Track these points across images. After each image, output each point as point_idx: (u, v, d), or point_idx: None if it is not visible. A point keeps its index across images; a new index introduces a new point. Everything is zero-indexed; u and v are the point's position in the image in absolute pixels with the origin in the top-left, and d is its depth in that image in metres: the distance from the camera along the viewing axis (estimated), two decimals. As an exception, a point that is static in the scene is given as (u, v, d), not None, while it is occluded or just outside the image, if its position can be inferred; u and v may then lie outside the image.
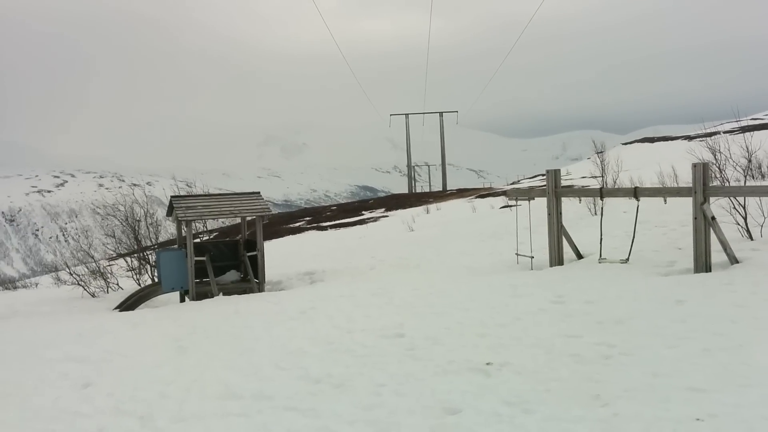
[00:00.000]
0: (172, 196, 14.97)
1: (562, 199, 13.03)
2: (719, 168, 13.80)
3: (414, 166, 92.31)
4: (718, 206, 11.30)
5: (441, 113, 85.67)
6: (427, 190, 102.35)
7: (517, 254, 13.55)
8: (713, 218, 10.17)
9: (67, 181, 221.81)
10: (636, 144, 63.18)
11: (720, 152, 14.01)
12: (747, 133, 16.22)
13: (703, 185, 10.26)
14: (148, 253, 17.98)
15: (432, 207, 39.66)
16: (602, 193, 12.56)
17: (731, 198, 11.79)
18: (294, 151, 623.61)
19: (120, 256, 18.75)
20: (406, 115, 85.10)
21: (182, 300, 14.62)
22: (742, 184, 13.17)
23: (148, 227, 18.38)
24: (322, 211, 55.37)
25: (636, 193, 11.61)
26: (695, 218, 10.31)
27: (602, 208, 13.26)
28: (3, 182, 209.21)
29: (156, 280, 15.98)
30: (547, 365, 6.19)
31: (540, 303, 8.98)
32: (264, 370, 6.90)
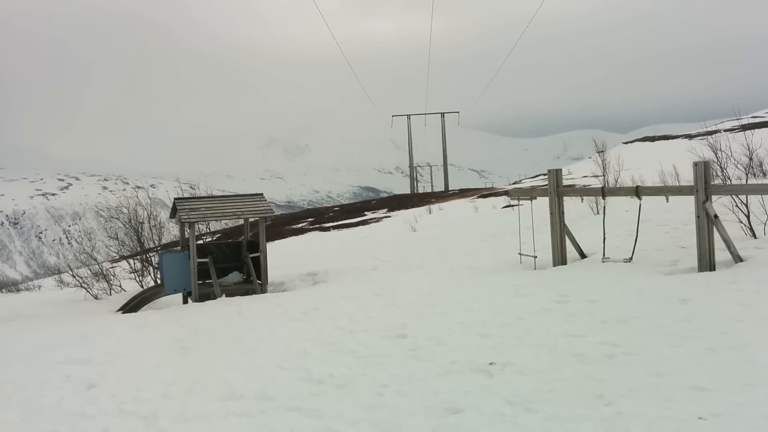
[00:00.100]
0: (175, 198, 14.99)
1: (564, 198, 13.01)
2: (721, 166, 13.78)
3: (416, 167, 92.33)
4: (720, 205, 11.29)
5: (443, 114, 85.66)
6: (429, 190, 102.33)
7: (519, 254, 13.54)
8: (716, 216, 10.15)
9: (71, 184, 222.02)
10: (637, 143, 63.10)
11: (721, 150, 13.99)
12: (748, 132, 16.18)
13: (705, 184, 10.24)
14: (151, 255, 18.00)
15: (434, 207, 39.65)
16: (604, 192, 12.54)
17: (733, 196, 11.77)
18: (296, 153, 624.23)
19: (123, 258, 18.79)
20: (408, 116, 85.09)
21: (185, 302, 14.64)
22: (743, 182, 13.16)
23: (151, 229, 18.41)
24: (325, 212, 55.39)
25: (638, 192, 11.59)
26: (698, 217, 10.29)
27: (604, 208, 13.25)
28: (7, 185, 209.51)
29: (159, 282, 16.00)
30: (551, 365, 6.18)
31: (543, 303, 8.96)
32: (267, 370, 6.90)
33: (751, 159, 14.02)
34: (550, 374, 5.91)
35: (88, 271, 17.64)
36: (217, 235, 24.97)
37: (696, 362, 5.83)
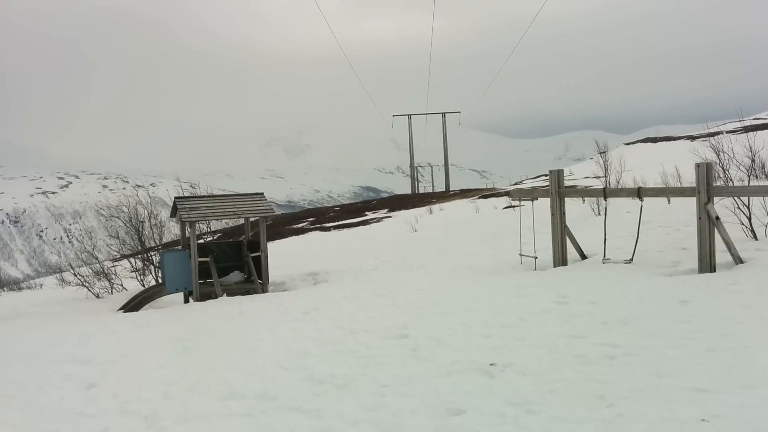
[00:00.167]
0: (176, 198, 14.99)
1: (566, 199, 13.01)
2: (723, 168, 13.76)
3: (417, 167, 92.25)
4: (722, 206, 11.29)
5: (444, 114, 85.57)
6: (430, 190, 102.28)
7: (520, 255, 13.54)
8: (717, 218, 10.15)
9: (71, 183, 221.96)
10: (639, 144, 63.10)
11: (723, 152, 13.97)
12: (750, 133, 16.17)
13: (707, 185, 10.24)
14: (152, 254, 18.01)
15: (435, 207, 39.63)
16: (605, 193, 12.55)
17: (735, 198, 11.76)
18: (297, 152, 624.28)
19: (124, 257, 18.80)
20: (409, 116, 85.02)
21: (186, 301, 14.65)
22: (745, 183, 13.15)
23: (152, 228, 18.42)
24: (326, 211, 55.38)
25: (639, 193, 11.60)
26: (699, 218, 10.29)
27: (606, 209, 13.25)
28: (7, 184, 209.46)
29: (160, 281, 16.01)
30: (552, 366, 6.19)
31: (544, 303, 8.96)
32: (268, 370, 6.90)
33: (753, 161, 13.99)
34: (551, 375, 5.92)
35: (90, 270, 17.65)
36: (218, 235, 24.99)
37: (697, 364, 5.83)
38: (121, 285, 17.47)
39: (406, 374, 6.33)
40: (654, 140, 62.82)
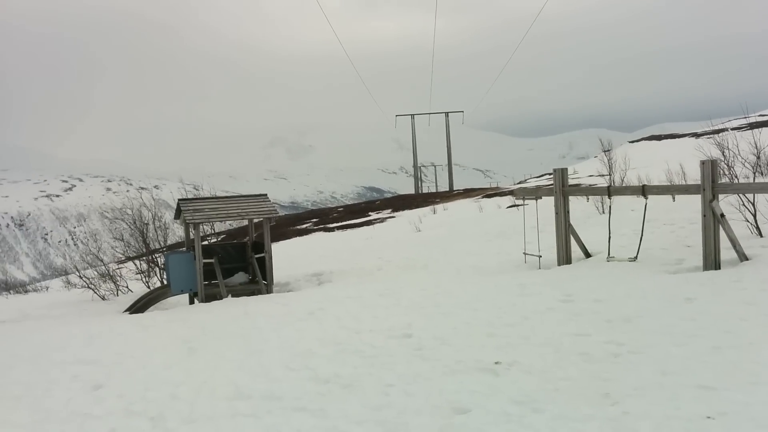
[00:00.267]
0: (179, 199, 15.02)
1: (570, 197, 13.01)
2: (728, 165, 13.74)
3: (420, 167, 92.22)
4: (726, 203, 11.27)
5: (447, 113, 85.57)
6: (434, 190, 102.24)
7: (524, 253, 13.54)
8: (722, 215, 10.14)
9: (75, 185, 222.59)
10: (643, 142, 62.95)
11: (728, 149, 13.96)
12: (755, 130, 16.14)
13: (712, 182, 10.23)
14: (156, 255, 18.04)
15: (439, 207, 39.62)
16: (610, 191, 12.54)
17: (740, 195, 11.75)
18: (300, 153, 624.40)
19: (129, 259, 18.83)
20: (412, 115, 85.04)
21: (191, 302, 14.67)
22: (751, 180, 13.13)
23: (156, 230, 18.45)
24: (329, 212, 55.41)
25: (644, 191, 11.58)
26: (704, 216, 10.28)
27: (610, 207, 13.24)
28: (12, 187, 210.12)
29: (165, 282, 16.04)
30: (556, 364, 6.19)
31: (548, 302, 8.97)
32: (273, 371, 6.92)
33: (758, 158, 13.97)
34: (555, 373, 5.92)
35: (95, 272, 17.69)
36: (222, 236, 25.02)
37: (702, 361, 5.83)
38: (127, 287, 17.51)
39: (411, 374, 6.34)
40: (658, 138, 62.70)
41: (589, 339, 6.93)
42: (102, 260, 18.64)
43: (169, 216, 19.04)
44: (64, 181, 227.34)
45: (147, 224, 18.30)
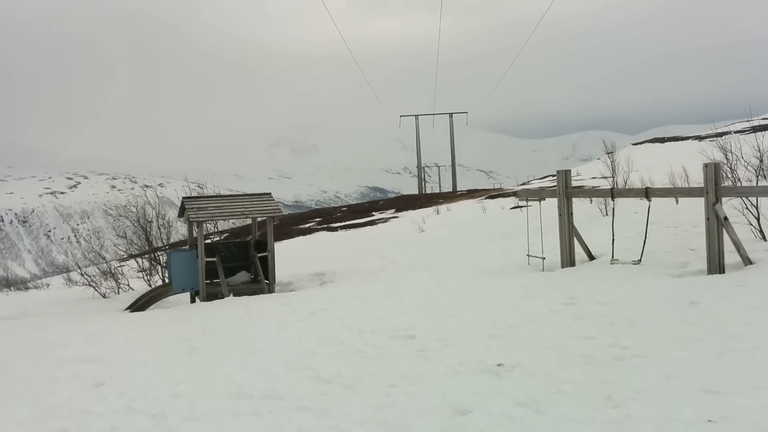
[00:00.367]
0: (183, 198, 15.02)
1: (573, 199, 12.98)
2: (731, 168, 13.71)
3: (424, 167, 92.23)
4: (730, 207, 11.24)
5: (451, 114, 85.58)
6: (437, 191, 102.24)
7: (528, 255, 13.52)
8: (726, 218, 10.11)
9: (79, 183, 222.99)
10: (646, 144, 62.93)
11: (731, 152, 13.93)
12: (758, 133, 16.10)
13: (715, 185, 10.20)
14: (159, 254, 18.05)
15: (442, 208, 39.62)
16: (613, 193, 12.52)
17: (743, 198, 11.71)
18: (304, 153, 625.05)
19: (131, 257, 18.84)
20: (416, 116, 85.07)
21: (193, 301, 14.67)
22: (754, 184, 13.09)
23: (159, 228, 18.45)
24: (333, 212, 55.43)
25: (647, 193, 11.56)
26: (707, 219, 10.25)
27: (613, 209, 13.22)
28: (16, 184, 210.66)
29: (167, 280, 16.04)
30: (559, 366, 6.17)
31: (552, 304, 8.95)
32: (275, 370, 6.91)
33: (761, 161, 13.93)
34: (558, 376, 5.90)
35: (97, 270, 17.70)
36: (225, 235, 25.03)
37: (705, 365, 5.81)
38: (128, 285, 17.52)
39: (414, 374, 6.32)
40: (662, 140, 62.66)
41: (592, 342, 6.91)
42: (104, 258, 18.65)
43: (172, 214, 19.06)
44: (68, 178, 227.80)
45: (150, 222, 18.30)
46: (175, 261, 14.31)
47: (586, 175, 41.05)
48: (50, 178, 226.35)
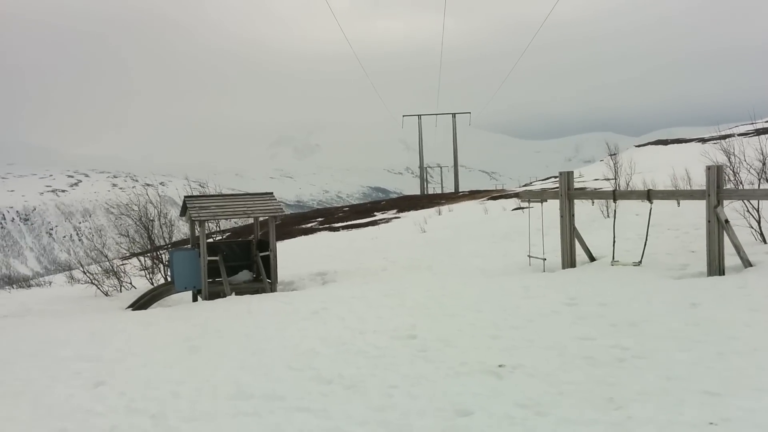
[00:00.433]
0: (185, 197, 15.03)
1: (575, 201, 12.99)
2: (733, 171, 13.70)
3: (426, 168, 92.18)
4: (731, 209, 11.24)
5: (454, 114, 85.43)
6: (439, 191, 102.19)
7: (529, 256, 13.52)
8: (727, 221, 10.11)
9: (81, 181, 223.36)
10: (649, 146, 62.80)
11: (734, 155, 13.91)
12: (762, 136, 16.07)
13: (717, 188, 10.20)
14: (161, 252, 18.06)
15: (444, 208, 39.59)
16: (615, 195, 12.52)
17: (745, 201, 11.71)
18: (306, 152, 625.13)
19: (133, 255, 18.86)
20: (419, 116, 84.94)
21: (195, 299, 14.68)
22: (756, 187, 13.08)
23: (161, 227, 18.47)
24: (335, 212, 55.42)
25: (649, 195, 11.56)
26: (709, 221, 10.25)
27: (615, 211, 13.21)
28: (18, 181, 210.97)
29: (169, 279, 16.06)
30: (560, 368, 6.17)
31: (553, 305, 8.95)
32: (276, 370, 6.91)
33: (764, 164, 13.91)
34: (560, 377, 5.91)
35: (99, 268, 17.71)
36: (227, 234, 25.03)
37: (706, 366, 5.81)
38: (130, 283, 17.53)
39: (415, 375, 6.33)
40: (665, 142, 62.57)
41: (594, 343, 6.91)
42: (106, 256, 18.67)
43: (174, 213, 19.06)
44: (70, 176, 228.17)
45: (152, 221, 18.31)
46: (177, 260, 14.32)
47: (588, 176, 40.98)
48: (51, 176, 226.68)
